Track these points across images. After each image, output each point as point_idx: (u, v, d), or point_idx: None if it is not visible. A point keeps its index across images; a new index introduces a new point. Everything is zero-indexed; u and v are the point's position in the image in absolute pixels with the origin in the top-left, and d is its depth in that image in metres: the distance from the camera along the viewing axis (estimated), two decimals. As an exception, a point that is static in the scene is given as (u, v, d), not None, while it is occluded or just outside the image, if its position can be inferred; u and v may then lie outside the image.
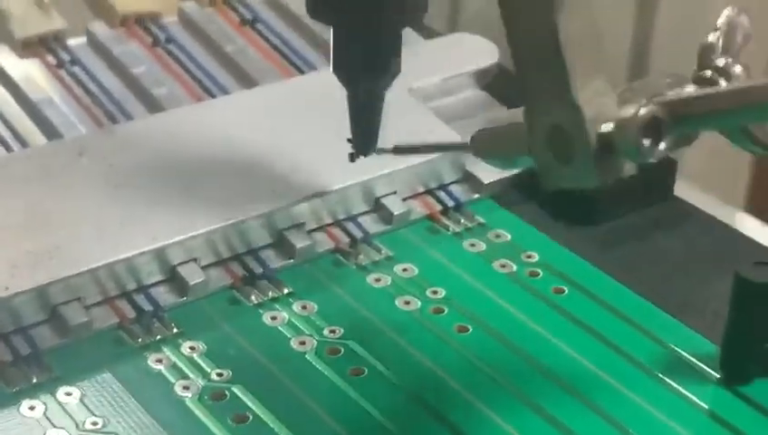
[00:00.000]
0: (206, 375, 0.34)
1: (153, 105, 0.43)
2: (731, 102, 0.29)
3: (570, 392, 0.34)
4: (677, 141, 0.29)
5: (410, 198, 0.41)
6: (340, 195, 0.39)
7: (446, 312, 0.37)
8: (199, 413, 0.33)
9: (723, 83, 0.31)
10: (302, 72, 0.45)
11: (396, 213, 0.40)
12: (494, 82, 0.45)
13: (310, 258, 0.38)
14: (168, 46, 0.46)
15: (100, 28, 0.46)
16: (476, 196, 0.41)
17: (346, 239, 0.39)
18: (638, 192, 0.41)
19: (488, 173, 0.41)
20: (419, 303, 0.37)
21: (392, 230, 0.40)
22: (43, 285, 0.35)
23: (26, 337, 0.34)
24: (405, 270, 0.38)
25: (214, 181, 0.38)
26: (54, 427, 0.32)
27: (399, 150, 0.37)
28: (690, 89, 0.31)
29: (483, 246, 0.39)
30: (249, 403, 0.33)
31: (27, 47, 0.45)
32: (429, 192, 0.41)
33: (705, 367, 0.35)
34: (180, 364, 0.34)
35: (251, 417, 0.33)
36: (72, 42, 0.46)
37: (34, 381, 0.34)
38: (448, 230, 0.40)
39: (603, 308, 0.37)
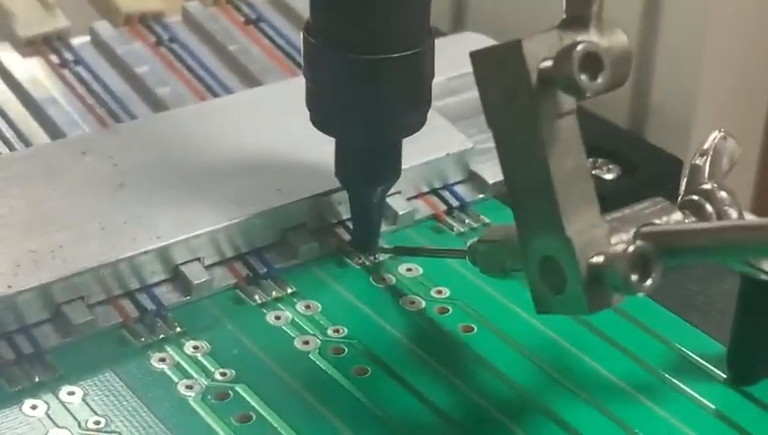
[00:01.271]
0: (209, 375, 0.34)
1: (157, 104, 0.43)
2: (718, 240, 0.30)
3: (575, 392, 0.34)
4: (666, 270, 0.30)
5: (415, 197, 0.41)
6: (344, 195, 0.39)
7: (450, 312, 0.37)
8: (202, 413, 0.33)
9: (708, 208, 0.32)
10: (306, 71, 0.45)
11: (400, 213, 0.39)
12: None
13: (313, 258, 0.38)
14: (172, 45, 0.46)
15: (103, 27, 0.46)
16: (481, 196, 0.41)
17: (350, 239, 0.39)
18: (643, 192, 0.41)
19: (493, 173, 0.41)
20: (424, 303, 0.37)
21: (397, 230, 0.39)
22: (46, 284, 0.34)
23: (29, 336, 0.34)
24: (409, 270, 0.38)
25: (218, 180, 0.38)
26: (57, 426, 0.32)
27: (400, 251, 0.38)
28: (677, 215, 0.32)
29: (488, 246, 0.39)
30: (253, 403, 0.33)
31: (31, 46, 0.45)
32: (434, 192, 0.41)
33: (711, 367, 0.35)
34: (183, 364, 0.34)
35: (254, 416, 0.33)
36: (76, 41, 0.46)
37: (37, 380, 0.33)
38: (453, 230, 0.40)
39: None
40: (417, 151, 0.40)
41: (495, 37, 0.46)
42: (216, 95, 0.44)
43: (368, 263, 0.38)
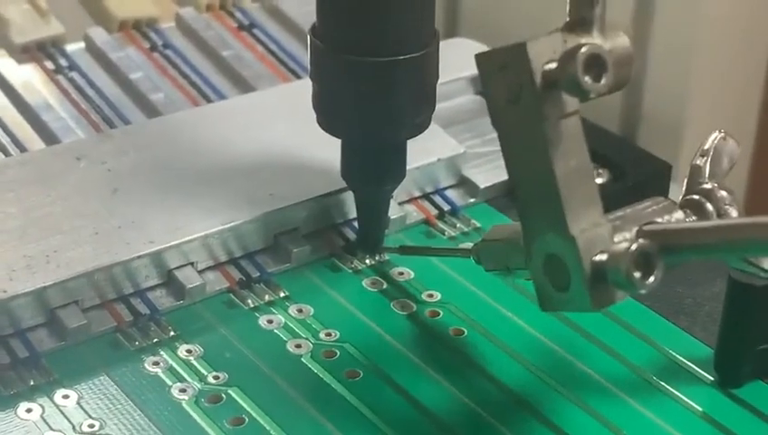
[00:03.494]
0: (202, 378, 0.34)
1: (151, 110, 0.43)
2: (719, 237, 0.30)
3: (564, 395, 0.34)
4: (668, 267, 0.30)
5: (406, 202, 0.41)
6: (336, 199, 0.39)
7: (441, 315, 0.37)
8: (196, 416, 0.33)
9: (709, 207, 0.32)
10: (298, 76, 0.45)
11: (392, 217, 0.40)
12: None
13: (306, 262, 0.38)
14: (166, 52, 0.46)
15: (97, 34, 0.46)
16: (472, 200, 0.41)
17: (342, 243, 0.39)
18: (632, 196, 0.41)
19: (484, 177, 0.42)
20: (415, 306, 0.37)
21: (388, 234, 0.40)
22: (41, 288, 0.35)
23: (24, 340, 0.35)
24: (401, 274, 0.38)
25: (211, 185, 0.39)
26: (51, 429, 0.32)
27: (405, 251, 0.38)
28: (678, 214, 0.32)
29: (478, 250, 0.39)
30: (245, 406, 0.33)
31: (26, 52, 0.45)
32: (426, 196, 0.41)
33: (699, 370, 0.35)
34: (177, 367, 0.35)
35: (247, 420, 0.33)
36: (70, 47, 0.46)
37: (32, 383, 0.34)
38: (444, 234, 0.40)
39: (598, 311, 0.37)
40: (409, 156, 0.40)
41: (487, 43, 0.47)
42: (209, 101, 0.44)
43: (369, 263, 0.38)
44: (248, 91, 0.44)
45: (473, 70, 0.45)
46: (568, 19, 0.31)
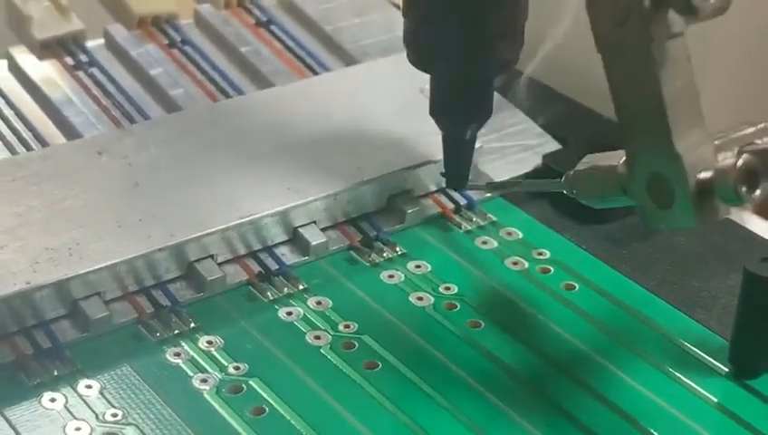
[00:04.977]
0: (223, 369, 0.35)
1: (170, 105, 0.44)
2: None
3: (581, 386, 0.35)
4: None
5: (423, 196, 0.41)
6: (353, 193, 0.39)
7: (458, 308, 0.37)
8: (217, 406, 0.33)
9: None
10: (315, 73, 0.46)
11: (409, 211, 0.40)
12: (506, 84, 0.46)
13: (324, 255, 0.39)
14: (184, 48, 0.46)
15: (117, 30, 0.47)
16: (489, 195, 0.42)
17: (360, 236, 0.39)
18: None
19: (500, 172, 0.42)
20: (432, 299, 0.38)
21: (406, 228, 0.40)
22: (64, 280, 0.35)
23: (47, 331, 0.35)
24: (418, 267, 0.39)
25: (230, 179, 0.39)
26: (75, 418, 0.33)
27: (492, 187, 0.40)
28: None
29: (495, 244, 0.40)
30: (266, 396, 0.34)
31: (46, 49, 0.45)
32: (442, 191, 0.42)
33: (714, 361, 0.35)
34: (198, 358, 0.35)
35: (268, 410, 0.33)
36: (90, 43, 0.46)
37: (55, 374, 0.34)
38: (461, 228, 0.41)
39: (613, 304, 0.37)
40: (426, 151, 0.40)
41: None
42: (227, 96, 0.44)
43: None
44: (266, 87, 0.45)
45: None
46: None
